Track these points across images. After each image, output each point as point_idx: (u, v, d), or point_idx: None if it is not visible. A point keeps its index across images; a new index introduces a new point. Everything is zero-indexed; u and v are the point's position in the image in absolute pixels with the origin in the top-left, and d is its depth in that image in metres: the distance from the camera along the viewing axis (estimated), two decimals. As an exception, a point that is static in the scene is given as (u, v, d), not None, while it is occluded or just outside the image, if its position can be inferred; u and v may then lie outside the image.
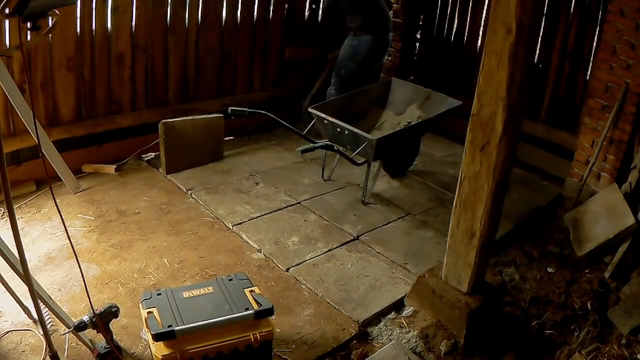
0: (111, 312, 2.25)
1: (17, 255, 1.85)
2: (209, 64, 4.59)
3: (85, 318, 2.18)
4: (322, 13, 4.60)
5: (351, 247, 3.33)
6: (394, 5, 5.65)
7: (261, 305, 2.24)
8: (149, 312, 2.18)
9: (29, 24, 1.70)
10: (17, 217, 2.07)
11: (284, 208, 3.71)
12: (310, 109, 3.87)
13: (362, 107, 4.24)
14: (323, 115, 3.77)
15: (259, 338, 2.20)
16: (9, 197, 1.71)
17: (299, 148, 3.48)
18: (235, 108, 3.75)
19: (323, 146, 3.66)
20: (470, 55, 5.13)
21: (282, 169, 4.31)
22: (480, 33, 5.06)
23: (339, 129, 3.70)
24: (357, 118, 4.07)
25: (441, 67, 5.49)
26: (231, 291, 2.32)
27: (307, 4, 5.19)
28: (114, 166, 3.97)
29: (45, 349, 2.23)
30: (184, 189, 3.84)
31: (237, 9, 4.62)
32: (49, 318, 2.38)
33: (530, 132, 4.58)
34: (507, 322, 2.85)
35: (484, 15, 4.98)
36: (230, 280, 2.41)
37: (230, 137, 4.54)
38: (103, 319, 2.20)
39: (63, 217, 2.04)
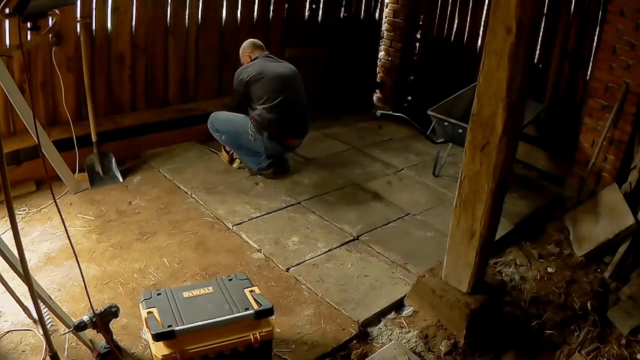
0: (111, 312, 2.25)
1: (17, 255, 1.85)
2: (209, 64, 4.59)
3: (85, 318, 2.18)
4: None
5: (351, 247, 3.33)
6: (395, 5, 5.67)
7: (261, 305, 2.24)
8: (149, 312, 2.17)
9: (29, 24, 1.70)
10: (17, 217, 2.07)
11: (284, 208, 3.71)
12: (429, 112, 4.12)
13: (460, 110, 4.30)
14: (444, 117, 3.99)
15: (259, 338, 2.19)
16: (9, 197, 1.71)
17: (379, 111, 4.38)
18: (384, 112, 4.45)
19: (399, 117, 4.27)
20: (470, 55, 5.14)
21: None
22: (480, 33, 5.07)
23: (460, 130, 3.86)
24: (460, 119, 4.13)
25: (441, 67, 5.50)
26: (231, 291, 2.32)
27: (307, 4, 5.19)
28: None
29: (45, 349, 2.23)
30: (184, 189, 3.84)
31: (237, 9, 4.62)
32: (49, 318, 2.38)
33: (530, 132, 4.59)
34: (507, 322, 2.85)
35: (484, 15, 4.99)
36: (230, 280, 2.41)
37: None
38: (103, 319, 2.20)
39: (63, 217, 2.04)
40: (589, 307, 2.99)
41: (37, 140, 3.03)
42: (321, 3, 5.26)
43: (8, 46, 3.33)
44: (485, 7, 4.94)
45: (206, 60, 4.55)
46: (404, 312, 2.83)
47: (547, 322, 2.86)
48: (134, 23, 4.01)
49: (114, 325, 2.33)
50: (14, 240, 1.78)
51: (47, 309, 2.23)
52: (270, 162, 4.10)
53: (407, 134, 5.26)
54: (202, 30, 4.43)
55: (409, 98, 5.91)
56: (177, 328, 2.08)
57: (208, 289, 2.33)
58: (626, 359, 2.68)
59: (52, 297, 2.26)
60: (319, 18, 5.30)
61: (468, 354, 2.58)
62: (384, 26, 5.85)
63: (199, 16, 4.38)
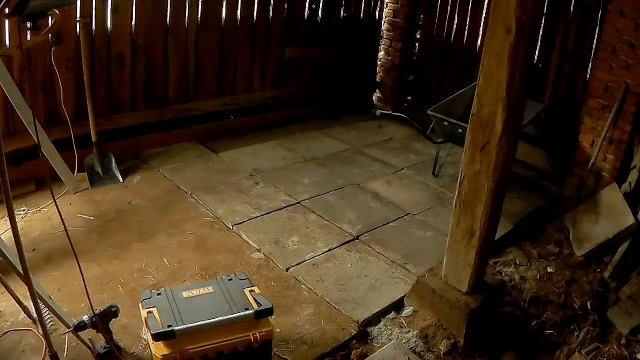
0: (111, 312, 2.25)
1: (17, 255, 1.85)
2: (209, 64, 4.59)
3: (85, 318, 2.18)
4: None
5: (351, 247, 3.33)
6: (395, 5, 5.67)
7: (261, 305, 2.24)
8: (149, 312, 2.17)
9: (29, 24, 1.70)
10: (17, 217, 2.07)
11: (284, 208, 3.71)
12: (429, 112, 4.11)
13: (460, 110, 4.29)
14: (444, 117, 3.98)
15: (259, 338, 2.19)
16: (9, 197, 1.71)
17: (379, 111, 4.32)
18: (384, 112, 4.44)
19: (399, 117, 4.30)
20: (470, 55, 5.14)
21: (282, 169, 4.32)
22: (480, 33, 5.07)
23: (460, 130, 3.85)
24: (460, 119, 4.12)
25: (441, 67, 5.50)
26: (231, 291, 2.32)
27: (307, 4, 5.19)
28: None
29: (45, 349, 2.23)
30: (184, 189, 3.85)
31: (237, 9, 4.62)
32: (49, 318, 2.38)
33: (530, 132, 4.59)
34: (507, 322, 2.85)
35: (484, 15, 4.98)
36: (230, 280, 2.41)
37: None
38: (103, 319, 2.20)
39: (63, 217, 2.04)
40: (589, 307, 2.99)
41: (37, 140, 3.02)
42: (321, 3, 5.25)
43: (8, 46, 3.33)
44: (485, 7, 4.94)
45: (206, 60, 4.55)
46: (404, 312, 2.83)
47: (547, 322, 2.86)
48: (134, 23, 4.01)
49: (114, 325, 2.33)
50: (14, 240, 1.78)
51: (47, 309, 2.23)
52: None
53: (407, 134, 5.27)
54: (202, 30, 4.43)
55: (409, 98, 5.91)
56: (177, 328, 2.08)
57: (208, 289, 2.33)
58: (626, 359, 2.68)
59: (52, 297, 2.26)
60: (319, 18, 5.30)
61: (468, 354, 2.58)
62: (384, 26, 5.85)
63: (199, 16, 4.38)
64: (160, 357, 2.06)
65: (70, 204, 3.54)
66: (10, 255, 2.00)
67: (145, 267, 2.98)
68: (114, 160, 3.93)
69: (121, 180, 3.86)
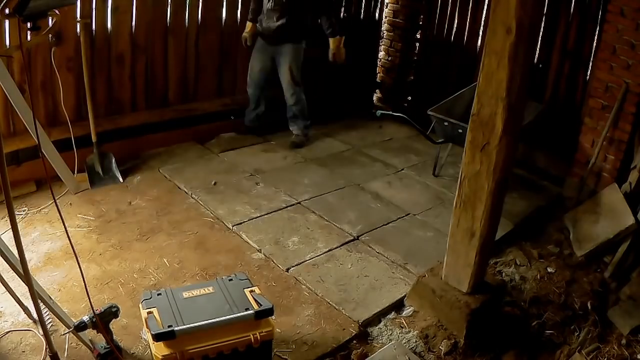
0: (111, 312, 2.25)
1: (17, 255, 1.85)
2: (209, 64, 4.59)
3: (85, 318, 2.18)
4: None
5: (351, 247, 3.33)
6: (395, 5, 5.66)
7: (261, 305, 2.24)
8: (149, 312, 2.17)
9: (29, 24, 1.70)
10: (17, 217, 2.07)
11: (284, 208, 3.71)
12: (429, 112, 4.09)
13: (460, 110, 4.28)
14: (444, 117, 3.97)
15: (259, 338, 2.19)
16: (9, 197, 1.71)
17: (379, 111, 4.32)
18: (384, 112, 4.37)
19: (399, 117, 4.25)
20: (470, 55, 5.14)
21: (282, 169, 4.32)
22: (480, 33, 5.06)
23: (460, 130, 3.84)
24: (460, 119, 4.11)
25: (441, 67, 5.50)
26: (231, 291, 2.32)
27: (307, 4, 5.18)
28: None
29: (45, 349, 2.23)
30: (184, 189, 3.85)
31: (237, 9, 4.62)
32: (49, 318, 2.38)
33: (530, 132, 4.58)
34: (507, 322, 2.85)
35: (484, 15, 4.98)
36: (230, 280, 2.41)
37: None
38: (103, 319, 2.20)
39: (63, 217, 2.04)
40: (589, 307, 2.99)
41: (37, 140, 3.02)
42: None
43: (8, 46, 3.33)
44: (485, 7, 4.94)
45: (206, 60, 4.55)
46: (404, 312, 2.83)
47: (547, 322, 2.86)
48: (134, 23, 4.02)
49: (114, 325, 2.33)
50: (14, 240, 1.78)
51: (47, 309, 2.23)
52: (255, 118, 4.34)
53: (407, 134, 5.26)
54: (202, 30, 4.43)
55: (409, 98, 5.91)
56: (177, 328, 2.08)
57: (208, 289, 2.33)
58: (626, 359, 2.68)
59: (52, 297, 2.26)
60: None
61: (468, 354, 2.58)
62: (384, 26, 5.85)
63: (199, 16, 4.38)
64: (160, 357, 2.06)
65: (70, 204, 3.54)
66: (11, 255, 2.00)
67: (145, 267, 2.98)
68: (114, 160, 3.93)
69: (121, 180, 3.87)
